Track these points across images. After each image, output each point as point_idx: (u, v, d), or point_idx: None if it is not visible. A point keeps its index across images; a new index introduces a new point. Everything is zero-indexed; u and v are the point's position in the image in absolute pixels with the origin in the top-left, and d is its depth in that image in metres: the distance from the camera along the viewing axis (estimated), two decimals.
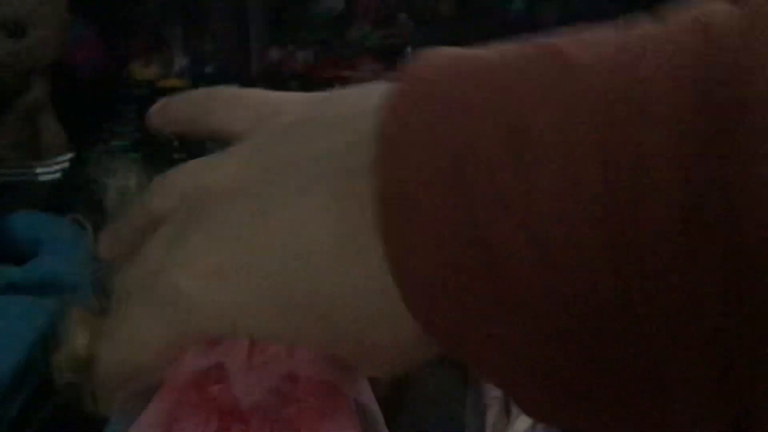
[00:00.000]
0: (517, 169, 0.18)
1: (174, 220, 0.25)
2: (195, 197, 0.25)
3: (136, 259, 0.26)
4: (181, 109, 0.30)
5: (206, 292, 0.23)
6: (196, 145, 0.50)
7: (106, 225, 0.45)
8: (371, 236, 0.20)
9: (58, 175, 0.62)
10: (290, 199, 0.22)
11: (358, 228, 0.20)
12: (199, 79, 0.78)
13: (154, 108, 0.31)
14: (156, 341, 0.24)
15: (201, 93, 0.30)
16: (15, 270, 0.47)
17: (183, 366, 0.24)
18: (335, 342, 0.22)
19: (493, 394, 0.38)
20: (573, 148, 0.17)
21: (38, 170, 0.63)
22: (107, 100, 0.74)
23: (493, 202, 0.18)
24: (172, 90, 0.43)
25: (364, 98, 0.23)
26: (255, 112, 0.27)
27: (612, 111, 0.17)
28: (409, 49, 0.88)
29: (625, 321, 0.17)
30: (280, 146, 0.24)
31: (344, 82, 0.81)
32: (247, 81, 0.80)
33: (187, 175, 0.26)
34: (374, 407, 0.24)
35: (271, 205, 0.22)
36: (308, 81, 0.84)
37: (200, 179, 0.25)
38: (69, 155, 0.64)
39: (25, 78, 0.63)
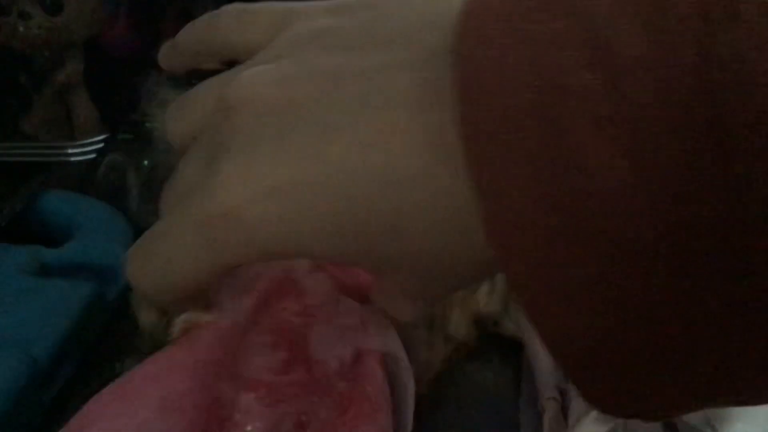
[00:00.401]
0: (607, 86, 0.16)
1: (205, 139, 0.23)
2: (226, 112, 0.22)
3: (169, 182, 0.24)
4: (187, 38, 0.28)
5: (265, 214, 0.21)
6: None
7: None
8: (460, 154, 0.19)
9: (91, 156, 0.61)
10: (365, 111, 0.20)
11: (448, 145, 0.19)
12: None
13: (162, 50, 0.29)
14: (197, 268, 0.22)
15: (203, 17, 0.28)
16: (49, 252, 0.46)
17: (276, 270, 0.23)
18: (402, 262, 0.21)
19: (550, 394, 0.37)
20: (663, 53, 0.16)
21: (70, 150, 0.62)
22: (138, 80, 0.72)
23: (588, 126, 0.16)
24: (205, 71, 0.41)
25: (411, 8, 0.22)
26: (268, 18, 0.25)
27: (705, 12, 0.16)
28: None
29: (739, 250, 0.16)
30: (330, 55, 0.22)
31: None
32: None
33: (212, 90, 0.24)
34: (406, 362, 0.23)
35: (341, 118, 0.21)
36: None
37: (231, 92, 0.23)
38: (102, 136, 0.63)
39: (60, 55, 0.62)
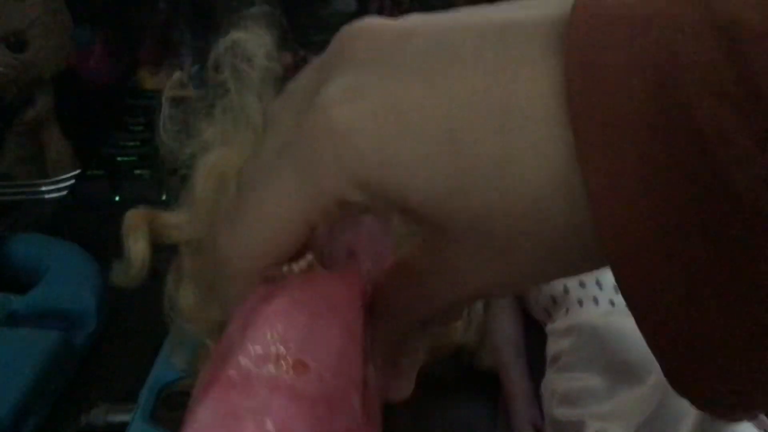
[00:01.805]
0: (731, 58, 0.16)
1: (303, 79, 0.23)
2: (337, 50, 0.22)
3: (257, 152, 0.23)
4: None
5: (371, 131, 0.20)
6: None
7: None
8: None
9: (64, 192, 0.60)
10: (492, 43, 0.19)
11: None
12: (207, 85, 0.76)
13: None
14: (297, 210, 0.21)
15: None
16: (16, 299, 0.45)
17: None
18: (499, 218, 0.19)
19: (525, 429, 0.36)
20: None
21: (43, 188, 0.61)
22: (114, 111, 0.71)
23: (709, 96, 0.16)
24: (181, 99, 0.40)
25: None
26: None
27: None
28: None
29: None
30: (449, 14, 0.21)
31: None
32: None
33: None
34: None
35: (464, 46, 0.20)
36: None
37: (344, 32, 0.22)
38: (75, 171, 0.62)
39: (28, 91, 0.61)
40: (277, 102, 0.24)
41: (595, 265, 0.20)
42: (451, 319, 0.26)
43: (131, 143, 0.62)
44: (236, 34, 0.36)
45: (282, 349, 0.19)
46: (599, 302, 0.36)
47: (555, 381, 0.35)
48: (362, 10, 0.91)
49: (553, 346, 0.37)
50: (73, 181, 0.60)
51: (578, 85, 0.18)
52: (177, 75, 0.44)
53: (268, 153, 0.23)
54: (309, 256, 0.22)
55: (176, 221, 0.42)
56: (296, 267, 0.22)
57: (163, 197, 0.54)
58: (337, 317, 0.20)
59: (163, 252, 0.41)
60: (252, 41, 0.36)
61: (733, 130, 0.16)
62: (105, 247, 0.51)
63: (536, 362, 0.39)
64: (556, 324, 0.38)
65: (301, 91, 0.23)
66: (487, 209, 0.19)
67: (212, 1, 0.87)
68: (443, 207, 0.20)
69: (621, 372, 0.33)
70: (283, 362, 0.18)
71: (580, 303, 0.37)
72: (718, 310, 0.17)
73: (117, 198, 0.55)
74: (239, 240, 0.22)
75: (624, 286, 0.18)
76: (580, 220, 0.18)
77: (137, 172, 0.57)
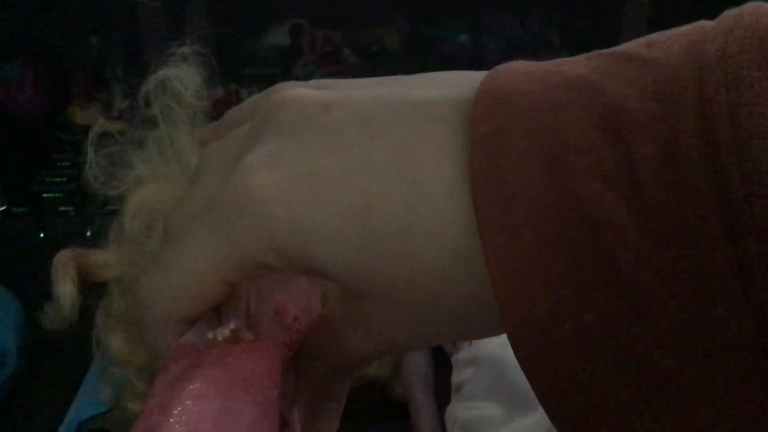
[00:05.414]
0: (616, 144, 0.18)
1: (233, 138, 0.24)
2: (265, 114, 0.23)
3: (184, 201, 0.24)
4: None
5: (286, 198, 0.21)
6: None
7: None
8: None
9: None
10: (406, 122, 0.21)
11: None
12: (139, 122, 0.76)
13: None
14: (216, 265, 0.22)
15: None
16: None
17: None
18: (404, 285, 0.21)
19: None
20: (671, 113, 0.18)
21: None
22: (41, 147, 0.72)
23: (595, 179, 0.18)
24: (110, 134, 0.41)
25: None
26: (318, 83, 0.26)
27: (705, 81, 0.18)
28: None
29: (740, 289, 0.17)
30: (374, 85, 0.23)
31: None
32: None
33: (254, 102, 0.25)
34: None
35: (378, 122, 0.21)
36: None
37: (275, 96, 0.23)
38: (1, 208, 0.62)
39: None
40: (212, 148, 0.26)
41: (502, 331, 0.21)
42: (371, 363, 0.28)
43: (57, 179, 0.62)
44: (165, 72, 0.38)
45: None
46: None
47: (457, 410, 0.37)
48: (295, 46, 0.93)
49: (457, 376, 0.39)
50: None
51: (479, 170, 0.19)
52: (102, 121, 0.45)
53: (195, 203, 0.24)
54: (232, 324, 0.23)
55: (105, 260, 0.42)
56: (220, 335, 0.22)
57: (88, 233, 0.55)
58: (253, 395, 0.21)
59: (89, 290, 0.42)
60: (180, 79, 0.38)
61: (618, 214, 0.18)
62: (29, 284, 0.52)
63: (445, 392, 0.41)
64: (461, 355, 0.40)
65: (233, 146, 0.24)
66: (392, 278, 0.21)
67: (144, 37, 0.88)
68: (352, 273, 0.21)
69: (517, 400, 0.35)
70: None
71: None
72: (609, 380, 0.18)
73: (42, 235, 0.56)
74: (157, 287, 0.23)
75: (522, 357, 0.19)
76: (481, 293, 0.20)
77: (62, 208, 0.58)
